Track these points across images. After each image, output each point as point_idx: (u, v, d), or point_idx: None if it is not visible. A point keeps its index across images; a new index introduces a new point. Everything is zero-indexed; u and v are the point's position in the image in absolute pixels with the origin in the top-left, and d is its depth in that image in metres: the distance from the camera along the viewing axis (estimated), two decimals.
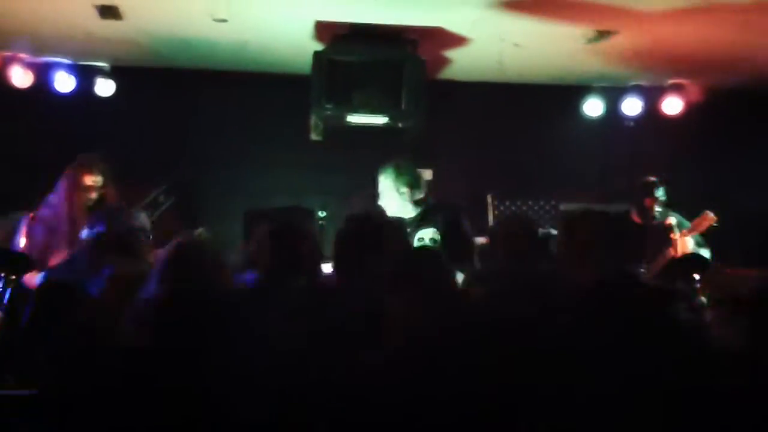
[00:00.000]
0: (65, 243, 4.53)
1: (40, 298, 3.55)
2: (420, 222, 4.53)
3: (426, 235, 4.43)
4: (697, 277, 4.38)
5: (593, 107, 6.78)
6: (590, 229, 3.03)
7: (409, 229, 4.38)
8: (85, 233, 3.70)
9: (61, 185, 4.67)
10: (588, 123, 6.82)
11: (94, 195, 4.69)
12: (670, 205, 5.61)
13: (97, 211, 4.23)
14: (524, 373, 2.46)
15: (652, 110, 6.73)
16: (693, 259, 4.94)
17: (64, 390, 2.73)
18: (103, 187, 4.72)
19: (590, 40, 5.51)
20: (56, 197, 4.66)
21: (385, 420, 2.38)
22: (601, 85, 6.73)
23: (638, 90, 6.73)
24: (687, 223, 5.44)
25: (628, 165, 6.49)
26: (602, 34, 5.40)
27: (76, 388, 2.65)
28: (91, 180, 4.69)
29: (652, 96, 6.73)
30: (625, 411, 2.37)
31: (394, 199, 4.62)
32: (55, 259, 4.39)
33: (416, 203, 4.64)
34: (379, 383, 2.43)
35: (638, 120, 6.79)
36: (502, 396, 2.44)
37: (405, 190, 4.62)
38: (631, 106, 6.75)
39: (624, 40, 5.48)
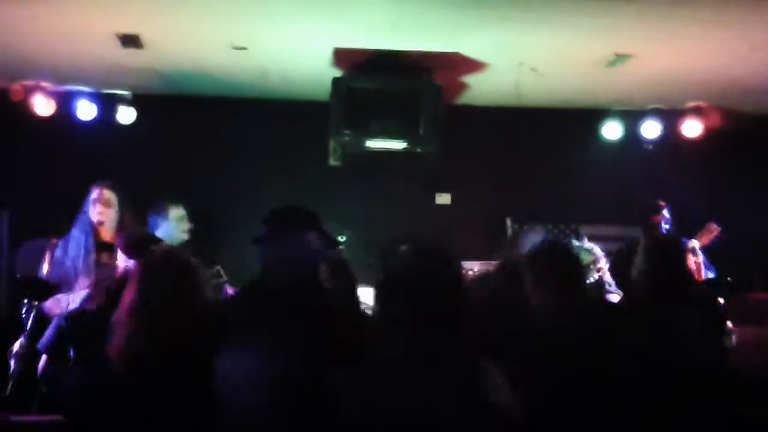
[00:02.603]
0: (86, 269, 4.56)
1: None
2: None
3: None
4: (721, 301, 4.35)
5: (612, 131, 6.76)
6: None
7: None
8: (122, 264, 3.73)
9: (80, 211, 4.72)
10: (607, 146, 6.80)
11: (102, 209, 4.68)
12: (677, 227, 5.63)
13: (132, 243, 4.25)
14: None
15: (671, 133, 6.71)
16: (716, 284, 4.93)
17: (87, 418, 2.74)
18: (119, 207, 4.74)
19: (609, 64, 5.52)
20: (76, 225, 4.69)
21: None
22: (619, 108, 6.72)
23: (657, 113, 6.71)
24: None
25: (647, 188, 6.45)
26: (621, 57, 5.40)
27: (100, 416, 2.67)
28: (96, 193, 4.70)
29: (671, 119, 6.71)
30: None
31: None
32: (79, 285, 4.41)
33: None
34: None
35: (657, 143, 6.76)
36: None
37: None
38: (650, 130, 6.72)
39: (643, 63, 5.49)
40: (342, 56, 5.39)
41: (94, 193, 4.67)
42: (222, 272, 4.77)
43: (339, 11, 4.61)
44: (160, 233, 4.80)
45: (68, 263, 4.55)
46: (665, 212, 5.67)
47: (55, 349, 3.81)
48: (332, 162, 5.79)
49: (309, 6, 4.52)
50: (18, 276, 5.13)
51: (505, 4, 4.48)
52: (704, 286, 4.89)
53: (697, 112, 6.64)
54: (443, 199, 6.88)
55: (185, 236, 5.10)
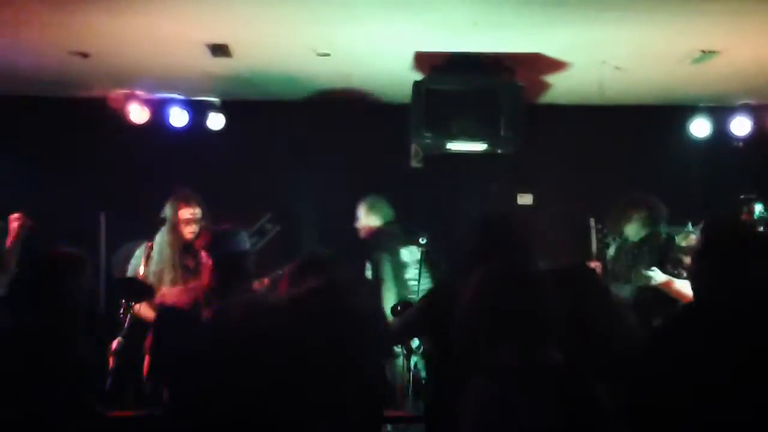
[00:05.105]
0: (172, 274, 4.78)
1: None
2: None
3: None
4: None
5: (700, 127, 6.62)
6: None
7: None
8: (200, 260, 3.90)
9: (164, 220, 4.93)
10: (695, 144, 6.66)
11: (194, 227, 4.92)
12: None
13: (208, 236, 4.43)
14: None
15: (761, 129, 6.52)
16: None
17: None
18: (202, 219, 4.95)
19: (695, 61, 5.41)
20: (161, 231, 4.92)
21: None
22: (707, 104, 6.57)
23: (747, 109, 6.54)
24: None
25: (737, 186, 6.28)
26: (707, 54, 5.29)
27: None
28: (189, 213, 4.92)
29: (761, 115, 6.52)
30: None
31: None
32: (164, 290, 4.60)
33: None
34: None
35: (747, 140, 6.58)
36: None
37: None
38: (740, 126, 6.56)
39: (730, 58, 5.36)
40: (422, 59, 5.45)
41: (188, 213, 4.90)
42: None
43: (419, 15, 4.66)
44: None
45: (157, 267, 4.79)
46: (756, 207, 5.45)
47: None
48: (414, 164, 5.86)
49: (390, 12, 4.59)
50: (115, 277, 5.40)
51: (586, 3, 4.46)
52: None
53: None
54: (525, 199, 6.86)
55: None
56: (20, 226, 4.86)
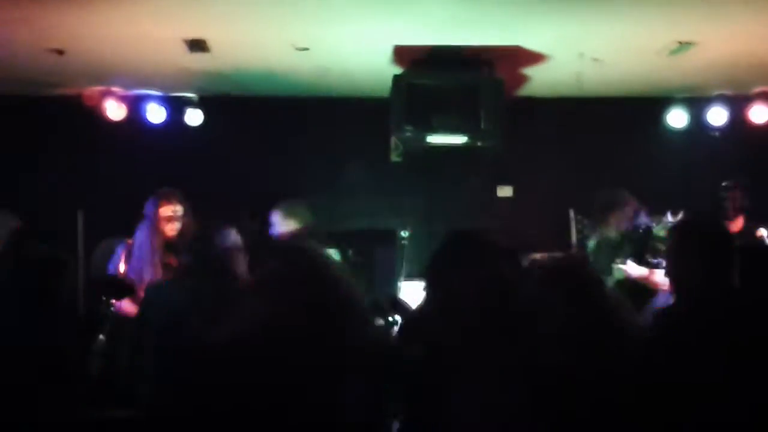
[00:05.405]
0: (153, 271, 4.75)
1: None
2: None
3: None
4: None
5: (677, 118, 6.68)
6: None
7: None
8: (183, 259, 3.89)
9: (145, 218, 4.90)
10: (672, 135, 6.70)
11: (175, 224, 4.89)
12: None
13: (191, 235, 4.41)
14: None
15: (738, 120, 6.59)
16: None
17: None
18: (183, 216, 4.92)
19: (672, 52, 5.45)
20: (142, 229, 4.89)
21: None
22: (684, 96, 6.62)
23: (723, 99, 6.59)
24: None
25: (714, 177, 6.35)
26: (684, 45, 5.33)
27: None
28: (170, 210, 4.89)
29: (737, 105, 6.59)
30: None
31: None
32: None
33: None
34: None
35: (724, 130, 6.65)
36: None
37: None
38: (716, 116, 6.62)
39: (706, 50, 5.40)
40: (402, 53, 5.44)
41: (169, 211, 4.86)
42: None
43: (399, 9, 4.65)
44: None
45: (138, 264, 4.76)
46: (736, 194, 5.50)
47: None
48: (393, 158, 5.85)
49: (369, 6, 4.58)
50: (95, 275, 5.36)
51: None
52: None
53: (765, 97, 6.50)
54: (505, 191, 6.88)
55: None
56: None
